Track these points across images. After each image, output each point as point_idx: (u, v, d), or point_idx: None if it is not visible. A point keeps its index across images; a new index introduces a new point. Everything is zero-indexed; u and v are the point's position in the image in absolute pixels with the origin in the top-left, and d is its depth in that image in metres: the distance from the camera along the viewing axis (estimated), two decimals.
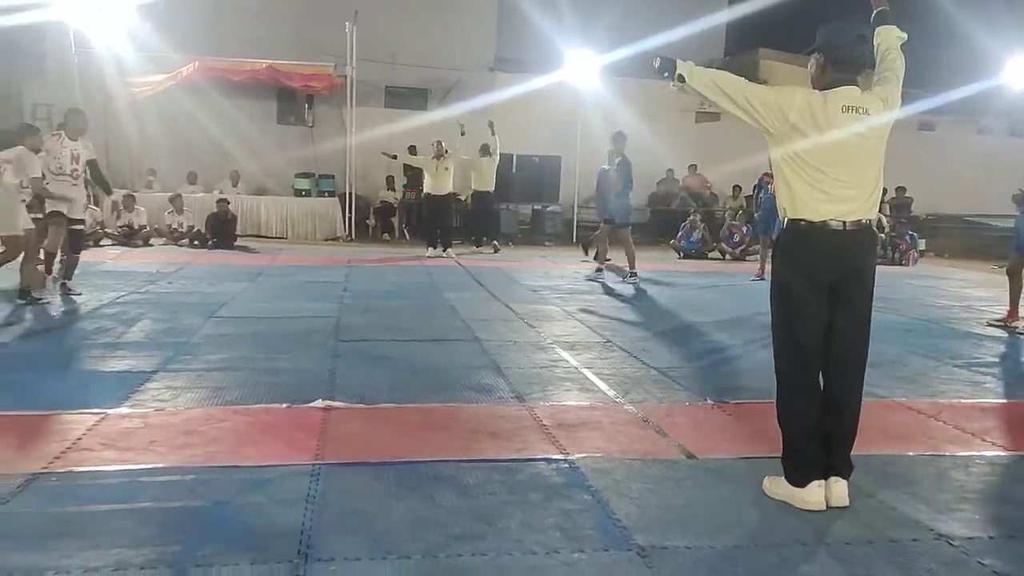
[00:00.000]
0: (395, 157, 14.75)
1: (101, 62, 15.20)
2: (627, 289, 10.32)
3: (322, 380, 5.21)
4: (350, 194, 16.36)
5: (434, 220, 14.27)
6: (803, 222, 3.36)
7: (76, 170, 8.32)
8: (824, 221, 3.32)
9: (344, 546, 2.91)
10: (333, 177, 17.10)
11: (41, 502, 3.21)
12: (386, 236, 17.18)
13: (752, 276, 11.69)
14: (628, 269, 11.05)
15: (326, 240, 16.03)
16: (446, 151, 13.79)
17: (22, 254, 7.80)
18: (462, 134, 14.12)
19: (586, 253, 14.15)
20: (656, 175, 18.80)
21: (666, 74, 3.50)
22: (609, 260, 11.83)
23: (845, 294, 3.38)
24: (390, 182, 17.76)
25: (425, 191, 14.29)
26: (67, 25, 14.54)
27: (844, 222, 3.32)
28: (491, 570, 2.79)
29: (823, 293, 3.36)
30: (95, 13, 14.33)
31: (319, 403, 4.64)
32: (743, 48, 21.62)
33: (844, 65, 3.40)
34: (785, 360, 3.48)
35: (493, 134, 14.66)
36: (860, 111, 3.31)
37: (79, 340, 6.36)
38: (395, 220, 17.59)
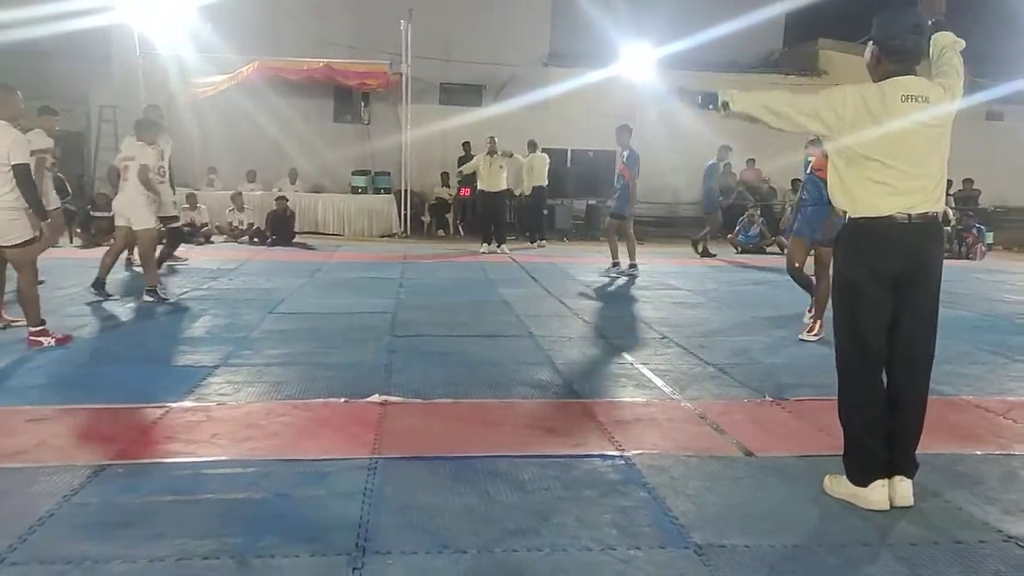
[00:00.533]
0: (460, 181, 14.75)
1: (164, 64, 15.60)
2: (684, 284, 10.21)
3: (378, 375, 5.26)
4: (405, 191, 16.49)
5: (488, 217, 14.32)
6: (866, 218, 3.27)
7: (162, 167, 8.73)
8: (888, 215, 3.23)
9: (401, 539, 2.93)
10: (389, 174, 17.26)
11: (108, 492, 3.31)
12: (441, 232, 17.29)
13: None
14: (628, 261, 11.11)
15: (382, 237, 16.20)
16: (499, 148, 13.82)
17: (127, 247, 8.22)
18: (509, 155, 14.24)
19: (696, 250, 14.25)
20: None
21: (711, 106, 3.49)
22: (617, 263, 11.65)
23: (911, 289, 3.28)
24: (445, 178, 17.86)
25: (479, 188, 14.33)
26: (131, 28, 14.95)
27: (909, 215, 3.23)
28: (546, 566, 2.79)
29: (888, 288, 3.28)
30: (158, 15, 14.71)
31: (376, 398, 4.68)
32: (802, 39, 21.20)
33: (900, 55, 3.29)
34: (848, 357, 3.40)
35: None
36: (920, 100, 3.21)
37: (144, 335, 6.53)
38: (450, 216, 17.69)
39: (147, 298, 7.89)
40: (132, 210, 7.95)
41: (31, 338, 5.80)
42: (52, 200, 8.42)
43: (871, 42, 3.37)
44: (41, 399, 4.57)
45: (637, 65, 16.52)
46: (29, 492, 3.28)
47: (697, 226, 18.40)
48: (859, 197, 3.28)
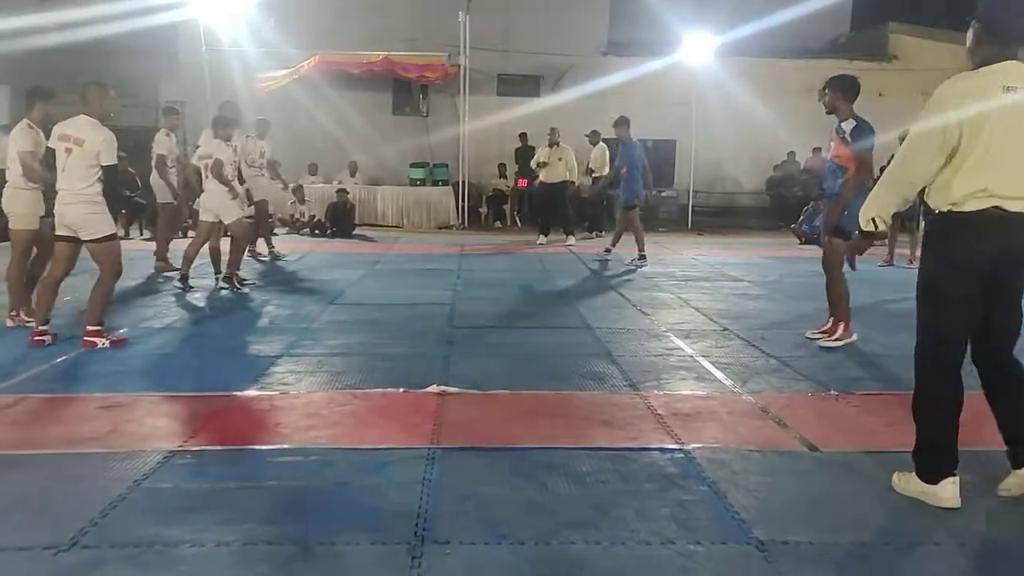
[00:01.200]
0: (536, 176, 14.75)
1: (228, 59, 15.90)
2: (745, 275, 10.04)
3: (436, 366, 5.30)
4: (463, 182, 16.55)
5: (547, 208, 14.28)
6: (960, 212, 3.11)
7: (236, 162, 8.91)
8: (985, 208, 3.08)
9: (459, 529, 2.95)
10: (447, 166, 17.33)
11: (177, 478, 3.40)
12: (498, 224, 17.32)
13: (880, 262, 11.15)
14: (636, 252, 11.00)
15: (439, 228, 16.28)
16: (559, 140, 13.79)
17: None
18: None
19: (800, 240, 14.16)
20: (776, 157, 18.19)
21: (855, 232, 3.52)
22: (609, 251, 11.58)
23: (1005, 283, 3.16)
24: (502, 170, 17.87)
25: (539, 179, 14.30)
26: (198, 23, 15.28)
27: (1007, 209, 3.06)
28: (605, 559, 2.77)
29: (979, 286, 3.14)
30: (223, 11, 15.01)
31: (434, 388, 4.72)
32: (871, 22, 20.56)
33: (1002, 37, 3.12)
34: (928, 353, 3.28)
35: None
36: (1022, 90, 3.04)
37: (210, 325, 6.69)
38: (507, 208, 17.70)
39: (222, 285, 8.18)
40: (220, 206, 8.22)
41: (86, 338, 5.71)
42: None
43: (974, 21, 3.20)
44: (113, 387, 4.72)
45: (697, 53, 16.26)
46: (102, 477, 3.39)
47: (757, 216, 18.14)
48: (954, 187, 3.12)
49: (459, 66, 16.17)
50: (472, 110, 16.38)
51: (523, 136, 17.25)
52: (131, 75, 16.78)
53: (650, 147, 18.98)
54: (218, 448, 3.77)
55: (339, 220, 14.73)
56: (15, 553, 2.73)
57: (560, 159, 13.79)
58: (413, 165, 17.39)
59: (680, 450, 3.81)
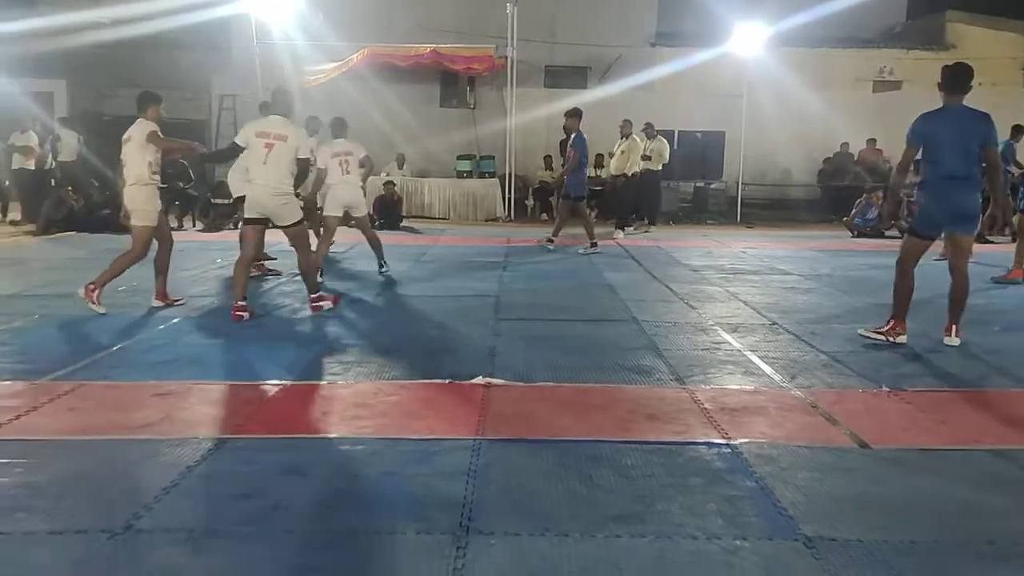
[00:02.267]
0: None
1: (279, 52, 16.11)
2: (795, 269, 9.89)
3: (482, 357, 5.32)
4: (510, 175, 16.56)
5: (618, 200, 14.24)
6: None
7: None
8: None
9: (504, 520, 2.96)
10: (493, 158, 17.35)
11: (228, 465, 3.47)
12: (545, 216, 17.26)
13: (935, 256, 10.86)
14: (588, 241, 11.21)
15: (486, 221, 16.31)
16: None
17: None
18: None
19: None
20: (829, 149, 17.85)
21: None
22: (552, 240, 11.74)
23: None
24: (548, 162, 17.82)
25: (610, 172, 14.31)
26: (250, 17, 15.50)
27: None
28: (650, 552, 2.76)
29: None
30: (274, 5, 15.21)
31: (479, 380, 4.73)
32: (928, 10, 20.02)
33: None
34: None
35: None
36: None
37: (261, 314, 6.80)
38: (553, 200, 17.64)
39: (385, 270, 8.88)
40: (356, 200, 8.67)
41: (312, 304, 6.70)
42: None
43: None
44: (167, 375, 4.83)
45: (748, 43, 16.02)
46: (155, 462, 3.47)
47: (808, 208, 17.83)
48: None
49: (506, 58, 16.15)
50: (519, 102, 16.36)
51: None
52: (185, 69, 17.11)
53: (699, 138, 18.85)
54: (267, 436, 3.84)
55: (386, 212, 14.84)
56: (72, 536, 2.81)
57: (622, 152, 13.71)
58: (460, 157, 17.44)
59: (727, 445, 3.77)
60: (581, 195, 11.50)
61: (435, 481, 3.32)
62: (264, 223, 6.60)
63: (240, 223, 8.83)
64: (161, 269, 6.94)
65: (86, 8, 16.57)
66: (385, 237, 13.05)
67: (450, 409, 4.29)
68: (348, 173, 8.40)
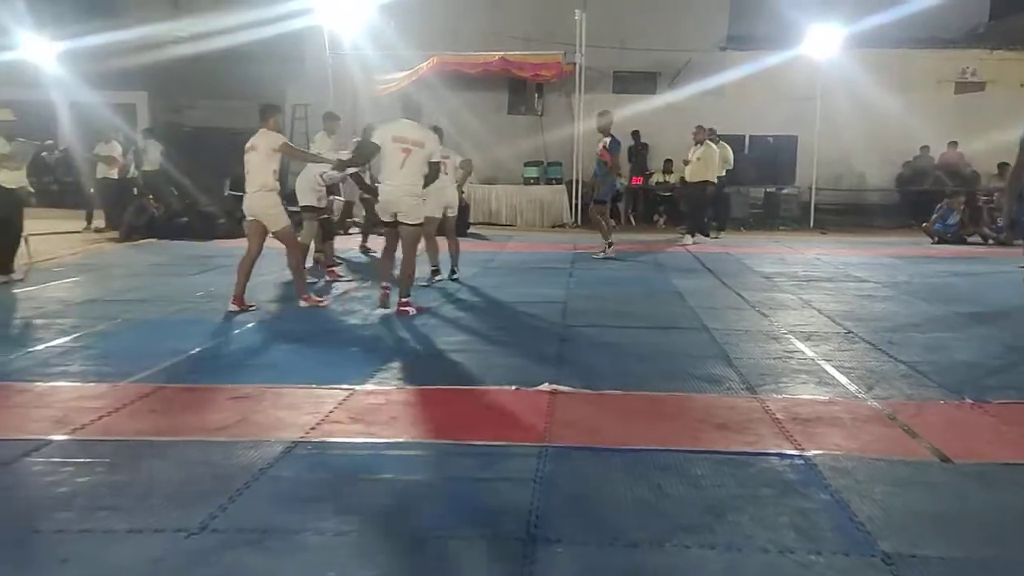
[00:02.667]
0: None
1: (350, 63, 16.41)
2: (872, 276, 9.60)
3: (549, 364, 5.30)
4: (577, 181, 16.51)
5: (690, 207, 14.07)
6: None
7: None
8: None
9: (570, 529, 2.94)
10: (560, 164, 17.35)
11: (299, 467, 3.54)
12: (612, 222, 17.14)
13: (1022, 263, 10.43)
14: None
15: (552, 227, 16.30)
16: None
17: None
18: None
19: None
20: (907, 152, 17.31)
21: None
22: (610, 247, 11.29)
23: None
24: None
25: (682, 177, 14.19)
26: (323, 29, 15.84)
27: None
28: (720, 564, 2.71)
29: None
30: (346, 16, 15.50)
31: (546, 386, 4.72)
32: (1013, 9, 19.24)
33: None
34: None
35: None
36: None
37: (330, 320, 6.92)
38: (621, 206, 17.53)
39: (452, 277, 9.07)
40: (452, 199, 8.93)
41: (399, 308, 6.91)
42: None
43: None
44: (242, 378, 4.95)
45: (823, 45, 15.65)
46: (230, 464, 3.56)
47: (885, 214, 17.32)
48: None
49: (574, 64, 16.13)
50: (587, 108, 16.29)
51: (635, 134, 17.06)
52: (260, 80, 17.55)
53: (770, 143, 18.49)
54: (337, 440, 3.89)
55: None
56: (151, 535, 2.90)
57: (698, 158, 13.48)
58: (527, 164, 17.48)
59: (800, 456, 3.68)
60: (606, 199, 11.41)
61: (501, 487, 3.32)
62: (397, 226, 6.94)
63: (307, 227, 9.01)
64: (243, 274, 7.09)
65: (165, 21, 17.19)
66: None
67: (516, 415, 4.29)
68: (446, 173, 8.43)
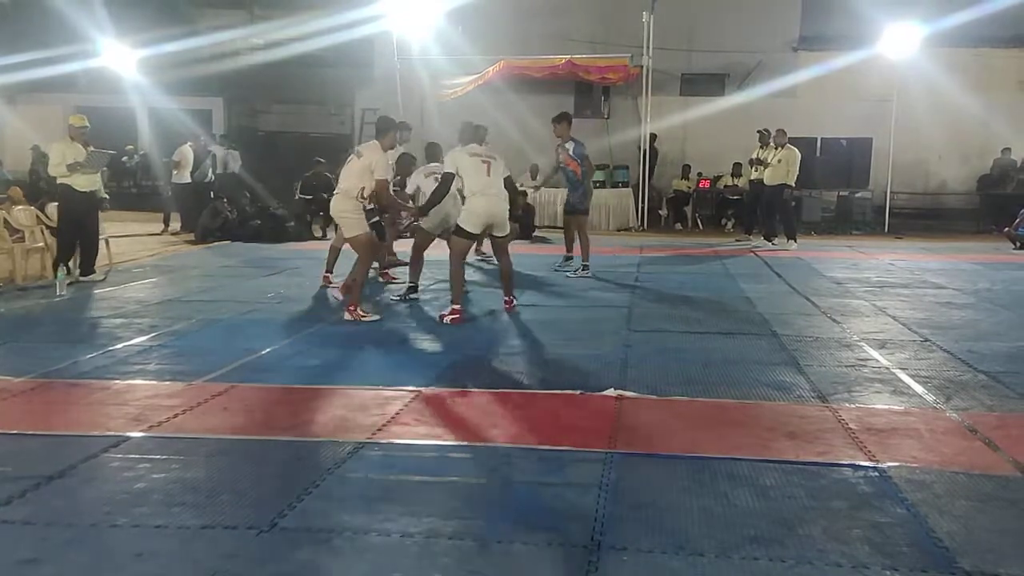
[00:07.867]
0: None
1: (418, 68, 16.59)
2: (950, 282, 9.28)
3: (614, 369, 5.26)
4: (643, 184, 16.37)
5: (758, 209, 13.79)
6: None
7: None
8: None
9: (636, 536, 2.91)
10: (627, 167, 17.22)
11: (366, 468, 3.58)
12: (679, 226, 16.98)
13: None
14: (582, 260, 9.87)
15: (618, 230, 16.18)
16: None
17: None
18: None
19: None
20: (988, 154, 16.70)
21: None
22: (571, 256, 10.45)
23: None
24: (685, 171, 17.52)
25: (750, 178, 13.92)
26: (391, 35, 16.05)
27: None
28: None
29: None
30: (414, 22, 15.69)
31: (611, 392, 4.69)
32: None
33: None
34: None
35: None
36: None
37: (397, 323, 6.99)
38: (688, 209, 17.33)
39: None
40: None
41: (449, 316, 6.77)
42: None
43: None
44: (311, 379, 5.03)
45: (899, 44, 15.20)
46: (299, 463, 3.63)
47: (964, 218, 16.73)
48: None
49: (641, 67, 16.00)
50: (654, 110, 16.17)
51: (652, 137, 16.72)
52: (330, 85, 17.93)
53: (843, 146, 18.05)
54: (403, 441, 3.92)
55: (519, 222, 14.96)
56: (223, 530, 2.96)
57: (780, 160, 13.19)
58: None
59: (874, 468, 3.57)
60: (585, 209, 10.43)
61: (566, 492, 3.30)
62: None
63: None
64: (359, 284, 6.99)
65: (242, 29, 17.67)
66: (518, 247, 13.20)
67: (581, 420, 4.27)
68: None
